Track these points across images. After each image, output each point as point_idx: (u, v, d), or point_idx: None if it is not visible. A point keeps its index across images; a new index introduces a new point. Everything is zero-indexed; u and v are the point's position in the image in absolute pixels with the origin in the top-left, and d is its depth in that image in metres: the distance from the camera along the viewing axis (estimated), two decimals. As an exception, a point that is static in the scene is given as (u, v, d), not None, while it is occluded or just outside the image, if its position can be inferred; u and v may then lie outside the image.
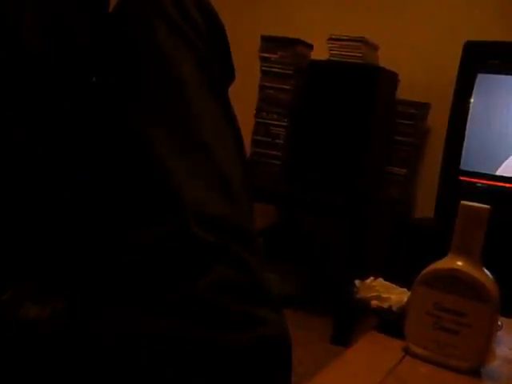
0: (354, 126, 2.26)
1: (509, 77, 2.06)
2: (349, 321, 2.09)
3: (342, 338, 2.07)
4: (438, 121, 2.38)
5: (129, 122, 0.51)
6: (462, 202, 0.83)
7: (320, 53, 2.42)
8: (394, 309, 0.97)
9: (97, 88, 0.54)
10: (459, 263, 0.80)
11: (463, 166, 2.11)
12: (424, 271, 0.83)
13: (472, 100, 2.10)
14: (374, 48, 2.42)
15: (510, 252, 1.85)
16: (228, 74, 0.63)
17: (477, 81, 2.09)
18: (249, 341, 0.45)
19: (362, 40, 2.32)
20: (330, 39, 2.36)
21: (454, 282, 0.81)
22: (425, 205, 2.43)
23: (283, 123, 2.38)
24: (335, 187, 2.24)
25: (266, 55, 2.42)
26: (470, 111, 2.10)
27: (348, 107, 2.27)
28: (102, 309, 0.45)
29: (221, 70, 0.60)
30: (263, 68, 2.43)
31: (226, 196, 0.50)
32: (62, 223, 0.51)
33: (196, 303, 0.44)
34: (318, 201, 2.21)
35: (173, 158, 0.49)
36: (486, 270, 0.80)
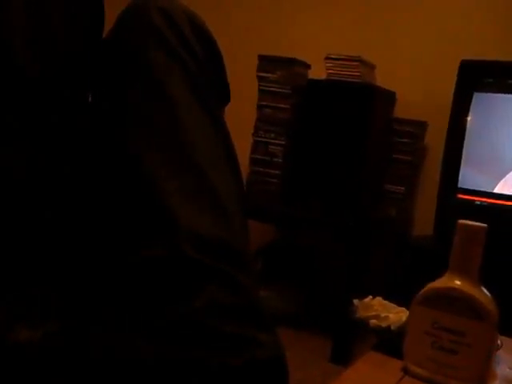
0: (352, 145, 2.27)
1: (504, 95, 2.07)
2: (348, 340, 2.07)
3: (341, 357, 2.06)
4: (436, 139, 2.38)
5: (123, 144, 0.51)
6: (460, 220, 0.83)
7: (318, 72, 2.43)
8: (393, 328, 0.97)
9: (91, 107, 0.54)
10: (457, 282, 0.80)
11: (461, 184, 2.11)
12: (422, 290, 0.83)
13: (469, 118, 2.11)
14: (371, 67, 2.44)
15: (509, 270, 1.85)
16: (223, 97, 0.64)
17: (473, 99, 2.10)
18: (243, 363, 0.44)
19: (359, 59, 2.33)
20: (327, 58, 2.38)
21: (452, 301, 0.80)
22: (424, 223, 2.43)
23: (281, 142, 2.39)
24: (334, 206, 2.24)
25: (264, 74, 2.43)
26: (467, 129, 2.11)
27: (346, 126, 2.28)
28: (94, 333, 0.44)
29: (215, 92, 0.60)
30: (261, 87, 2.44)
31: (219, 217, 0.50)
32: (54, 243, 0.51)
33: (190, 325, 0.43)
34: (316, 220, 2.21)
35: (167, 180, 0.49)
36: (484, 289, 0.80)
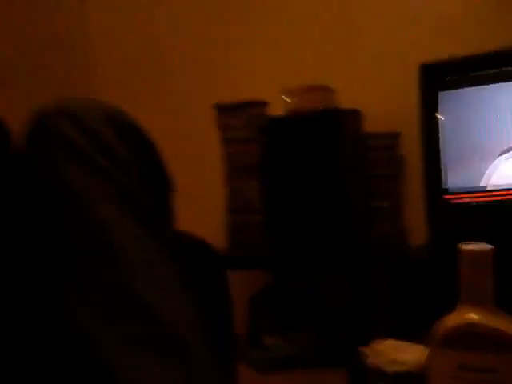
0: (328, 173, 2.20)
1: (469, 89, 2.04)
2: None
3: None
4: (412, 147, 2.33)
5: (52, 290, 0.43)
6: (462, 246, 0.75)
7: (278, 108, 2.38)
8: (414, 371, 0.88)
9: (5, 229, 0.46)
10: (474, 316, 0.72)
11: (445, 185, 2.06)
12: (438, 331, 0.75)
13: (439, 119, 2.07)
14: (331, 92, 2.38)
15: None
16: (164, 189, 0.56)
17: (439, 99, 2.07)
18: None
19: (316, 87, 2.28)
20: (285, 92, 2.32)
21: (474, 337, 0.72)
22: (416, 234, 2.36)
23: (255, 186, 2.31)
24: (322, 240, 2.16)
25: (223, 123, 2.37)
26: (440, 130, 2.07)
27: (317, 156, 2.21)
28: None
29: (154, 189, 0.53)
30: (223, 136, 2.37)
31: (175, 362, 0.41)
32: None
33: None
34: (310, 258, 2.13)
35: (106, 331, 0.40)
36: (503, 314, 0.72)
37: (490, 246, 0.73)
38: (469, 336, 0.72)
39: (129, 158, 0.50)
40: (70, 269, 0.43)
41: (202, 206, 2.69)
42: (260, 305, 2.43)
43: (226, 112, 2.36)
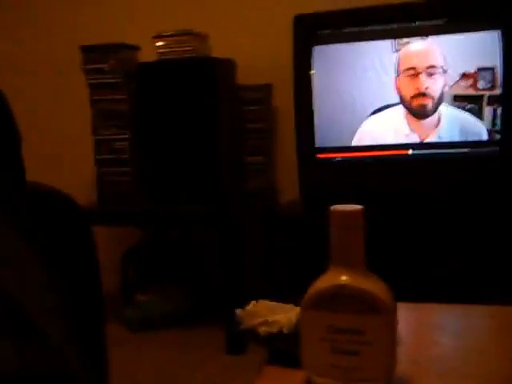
0: (199, 124, 2.15)
1: (343, 45, 2.04)
2: (239, 336, 2.00)
3: (237, 347, 1.98)
4: (285, 101, 2.33)
5: None
6: (332, 207, 0.74)
7: (149, 53, 2.28)
8: (286, 331, 0.88)
9: None
10: (343, 277, 0.72)
11: (318, 144, 2.07)
12: (308, 292, 0.74)
13: (312, 73, 2.07)
14: (204, 38, 2.32)
15: (380, 227, 1.83)
16: (14, 141, 0.51)
17: (313, 54, 2.06)
18: None
19: (188, 33, 2.21)
20: (156, 37, 2.22)
21: (343, 299, 0.72)
22: (289, 189, 2.38)
23: (125, 136, 2.21)
24: (194, 192, 2.12)
25: (90, 66, 2.23)
26: (314, 86, 2.07)
27: (188, 105, 2.15)
28: None
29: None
30: (90, 81, 2.24)
31: (10, 340, 0.36)
32: None
33: None
34: (180, 211, 2.08)
35: None
36: (374, 277, 0.73)
37: (359, 207, 0.72)
38: (338, 298, 0.72)
39: None
40: None
41: (68, 157, 2.55)
42: (133, 261, 2.36)
43: (94, 54, 2.22)
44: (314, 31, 2.06)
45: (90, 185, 2.29)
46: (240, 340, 2.00)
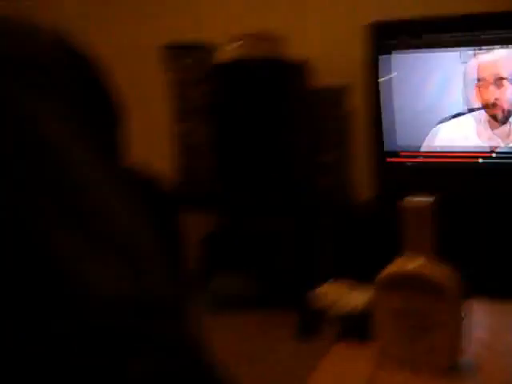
0: (275, 122, 2.24)
1: (418, 52, 2.08)
2: (312, 320, 2.06)
3: (309, 332, 2.03)
4: (360, 102, 2.37)
5: None
6: (405, 199, 0.81)
7: (228, 53, 2.37)
8: (355, 312, 0.96)
9: None
10: (414, 263, 0.79)
11: (388, 148, 2.12)
12: (382, 275, 0.82)
13: (385, 79, 2.11)
14: (280, 40, 2.38)
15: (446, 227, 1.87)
16: (113, 119, 0.56)
17: (387, 60, 2.11)
18: None
19: (265, 35, 2.29)
20: (234, 38, 2.32)
21: (413, 282, 0.80)
22: (362, 187, 2.41)
23: (204, 129, 2.33)
24: (269, 187, 2.21)
25: (173, 64, 2.36)
26: (386, 91, 2.11)
27: (264, 104, 2.24)
28: None
29: (102, 118, 0.53)
30: (172, 78, 2.37)
31: (128, 269, 0.42)
32: None
33: None
34: (258, 203, 2.17)
35: (57, 236, 0.40)
36: (442, 264, 0.80)
37: (431, 199, 0.79)
38: (409, 281, 0.79)
39: (75, 86, 0.50)
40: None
41: (155, 146, 2.66)
42: (210, 246, 2.45)
43: (176, 53, 2.36)
44: (390, 38, 2.10)
45: (173, 173, 2.40)
46: (312, 324, 2.05)
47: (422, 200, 0.82)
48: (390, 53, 2.11)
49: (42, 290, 0.40)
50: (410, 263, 0.80)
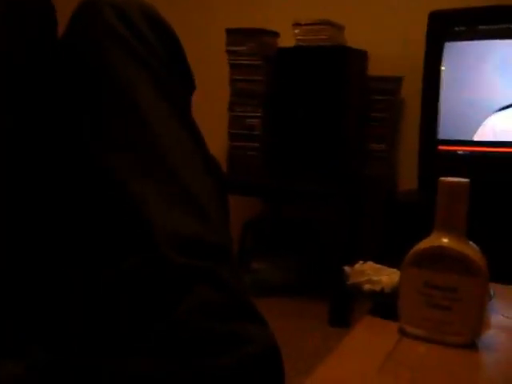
0: (329, 108, 2.26)
1: (475, 42, 2.07)
2: (344, 304, 2.09)
3: (340, 319, 2.08)
4: (412, 93, 2.38)
5: (88, 149, 0.49)
6: (441, 178, 0.82)
7: (287, 40, 2.41)
8: (387, 290, 0.97)
9: (50, 111, 0.52)
10: (444, 240, 0.80)
11: (441, 136, 2.12)
12: (411, 251, 0.83)
13: (442, 69, 2.10)
14: (340, 29, 2.42)
15: (494, 216, 1.86)
16: (188, 85, 0.62)
17: (445, 49, 2.10)
18: (238, 361, 0.44)
19: (326, 22, 2.31)
20: (295, 25, 2.35)
21: (441, 259, 0.81)
22: (408, 178, 2.43)
23: (258, 114, 2.37)
24: (318, 172, 2.24)
25: (233, 48, 2.41)
26: (442, 80, 2.11)
27: (320, 91, 2.27)
28: (83, 358, 0.44)
29: (181, 84, 0.59)
30: (231, 61, 2.42)
31: (197, 215, 0.49)
32: (28, 263, 0.50)
33: (179, 329, 0.43)
34: (304, 189, 2.20)
35: (138, 182, 0.48)
36: (472, 244, 0.80)
37: (466, 180, 0.80)
38: (436, 257, 0.80)
39: (162, 51, 0.56)
40: (98, 128, 0.50)
41: (205, 129, 2.73)
42: (253, 231, 2.49)
43: (237, 37, 2.40)
44: (448, 28, 2.09)
45: (221, 156, 2.46)
46: (344, 313, 2.09)
47: (457, 179, 0.83)
48: (445, 42, 2.10)
49: (125, 225, 0.47)
50: (439, 239, 0.81)
